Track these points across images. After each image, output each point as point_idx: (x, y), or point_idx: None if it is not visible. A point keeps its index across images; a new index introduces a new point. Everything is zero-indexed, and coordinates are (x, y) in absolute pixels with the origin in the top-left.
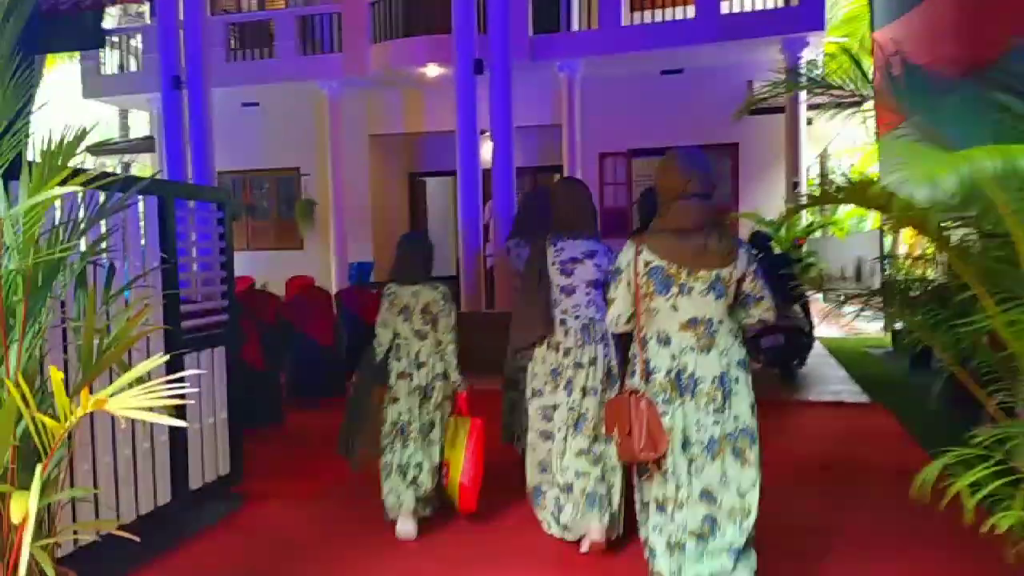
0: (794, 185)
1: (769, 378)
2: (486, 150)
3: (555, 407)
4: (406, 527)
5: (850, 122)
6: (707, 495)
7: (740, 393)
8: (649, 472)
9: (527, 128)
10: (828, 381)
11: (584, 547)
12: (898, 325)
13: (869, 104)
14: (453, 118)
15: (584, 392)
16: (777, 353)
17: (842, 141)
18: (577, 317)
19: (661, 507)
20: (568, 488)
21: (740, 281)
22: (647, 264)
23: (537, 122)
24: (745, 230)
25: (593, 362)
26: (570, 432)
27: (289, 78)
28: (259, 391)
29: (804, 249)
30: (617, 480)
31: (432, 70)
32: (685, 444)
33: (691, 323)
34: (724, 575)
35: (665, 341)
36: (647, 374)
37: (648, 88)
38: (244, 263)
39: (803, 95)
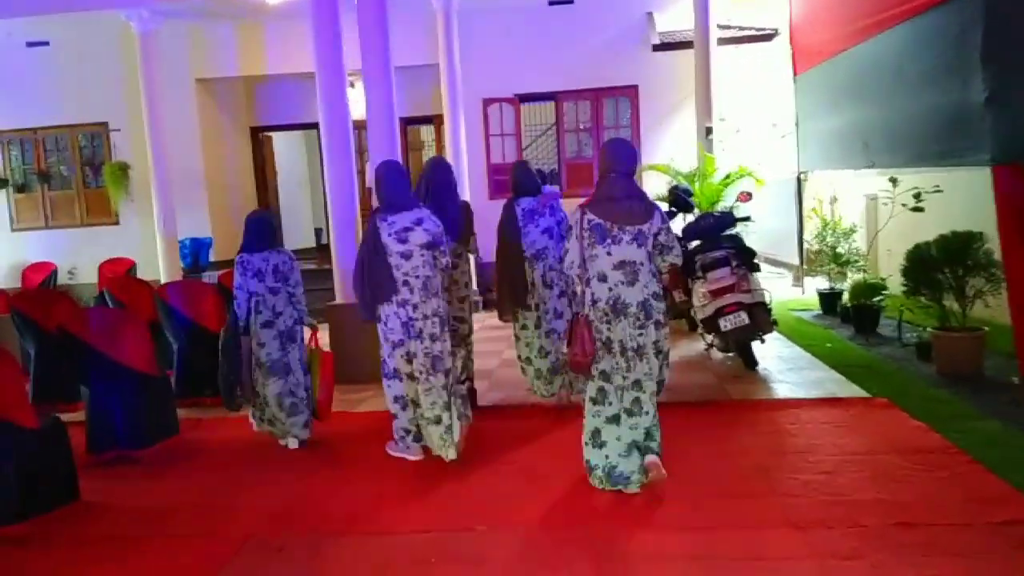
0: (707, 131)
1: (727, 369)
2: (354, 97)
3: (414, 354)
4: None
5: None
6: (636, 384)
7: (657, 315)
8: (595, 372)
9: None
10: (792, 364)
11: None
12: (821, 285)
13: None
14: (302, 57)
15: (433, 339)
16: (741, 334)
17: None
18: (417, 277)
19: (602, 396)
20: (437, 420)
21: (655, 235)
22: (589, 222)
23: (408, 62)
24: (655, 183)
25: (435, 313)
26: (430, 372)
27: (84, 6)
28: (152, 402)
29: (739, 205)
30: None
31: None
32: (622, 350)
33: (621, 264)
34: (640, 440)
35: (603, 278)
36: (592, 303)
37: (535, 22)
38: (43, 244)
39: (713, 28)
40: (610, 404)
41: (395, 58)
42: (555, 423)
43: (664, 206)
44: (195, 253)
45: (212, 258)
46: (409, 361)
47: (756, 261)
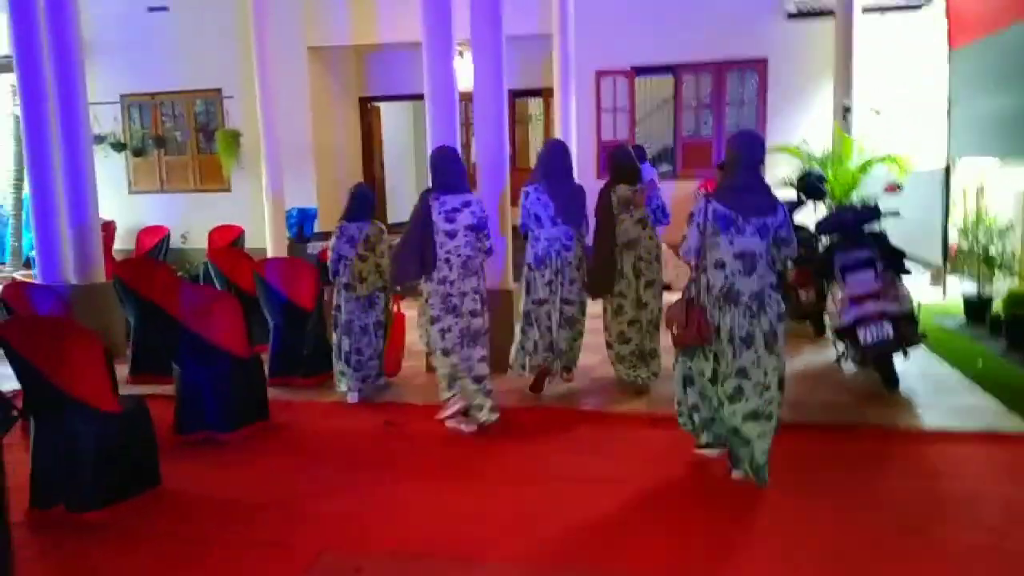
0: (844, 110)
1: (863, 385)
2: (462, 68)
3: (449, 328)
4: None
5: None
6: (742, 372)
7: (771, 305)
8: (700, 354)
9: (506, 39)
10: (939, 385)
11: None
12: (969, 288)
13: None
14: (413, 26)
15: (473, 315)
16: (883, 348)
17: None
18: (459, 256)
19: (706, 378)
20: (478, 379)
21: (777, 228)
22: (715, 212)
23: (519, 31)
24: (781, 167)
25: (474, 290)
26: (467, 346)
27: None
28: (242, 385)
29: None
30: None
31: None
32: (730, 337)
33: (741, 255)
34: (751, 438)
35: (720, 266)
36: (707, 289)
37: None
38: (158, 208)
39: None
40: (722, 388)
41: (506, 27)
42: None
43: (792, 193)
44: (301, 223)
45: (317, 228)
46: (443, 336)
47: (906, 264)
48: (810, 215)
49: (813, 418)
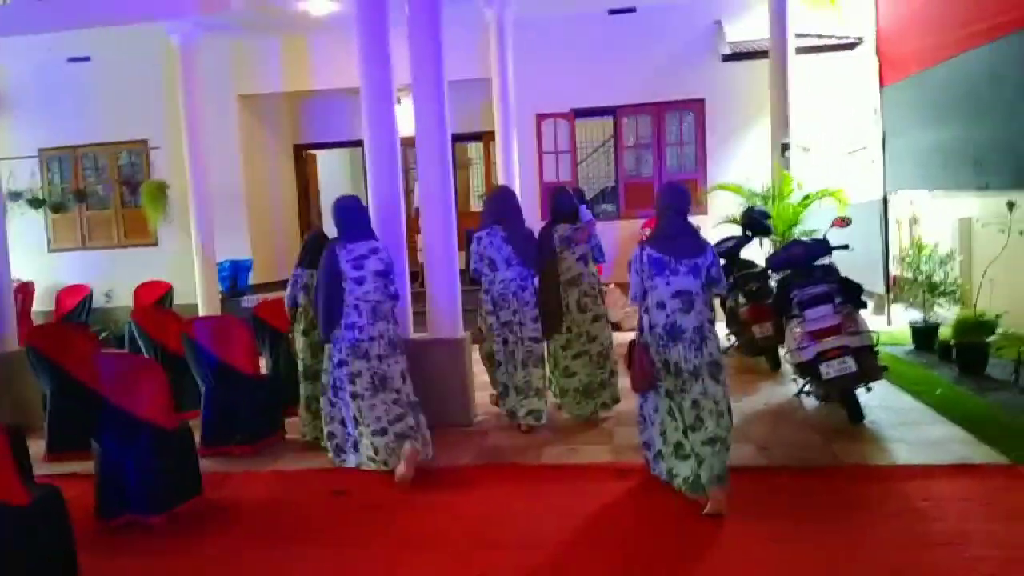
0: (783, 147)
1: (827, 421)
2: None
3: (359, 373)
4: None
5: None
6: (695, 404)
7: (711, 338)
8: (653, 393)
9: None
10: (904, 417)
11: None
12: (915, 316)
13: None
14: (349, 72)
15: (380, 359)
16: (847, 382)
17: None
18: (367, 301)
19: (670, 413)
20: (383, 431)
21: (708, 268)
22: (649, 256)
23: (458, 76)
24: (723, 204)
25: (382, 335)
26: (378, 389)
27: (124, 19)
28: (170, 460)
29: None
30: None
31: (318, 5)
32: (677, 371)
33: (678, 294)
34: (705, 456)
35: (661, 306)
36: (650, 328)
37: (594, 32)
38: (80, 266)
39: (791, 35)
40: (682, 419)
41: (445, 71)
42: (612, 480)
43: (737, 230)
44: (234, 276)
45: (252, 281)
46: (352, 380)
47: (863, 298)
48: (756, 251)
49: (781, 460)
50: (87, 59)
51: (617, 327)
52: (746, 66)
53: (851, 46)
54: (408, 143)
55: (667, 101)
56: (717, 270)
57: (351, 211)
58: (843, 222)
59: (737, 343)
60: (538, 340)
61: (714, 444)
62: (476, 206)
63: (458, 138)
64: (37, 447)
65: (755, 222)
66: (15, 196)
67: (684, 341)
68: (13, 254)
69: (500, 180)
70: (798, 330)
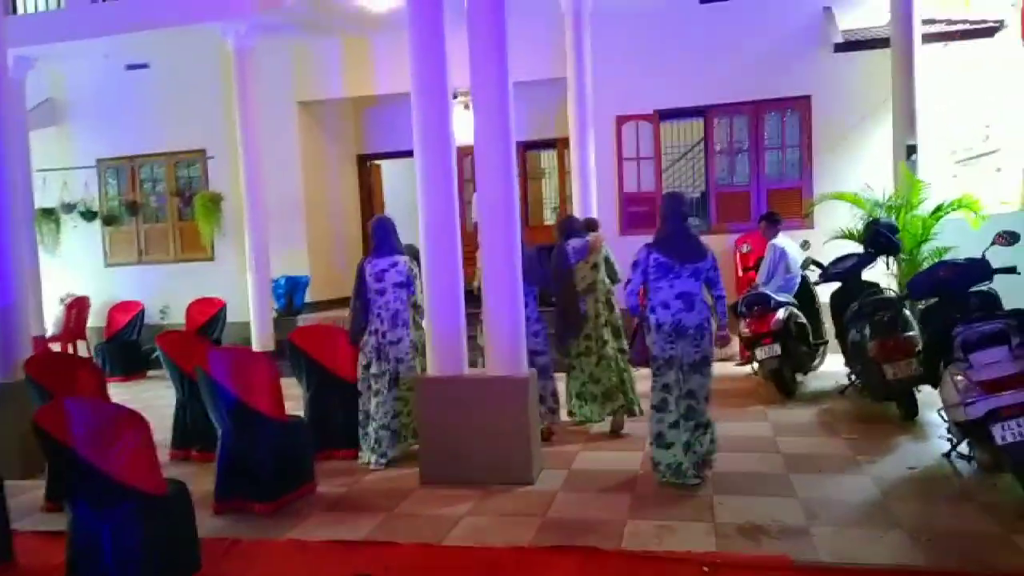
0: (909, 150)
1: (996, 499)
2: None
3: (383, 373)
4: None
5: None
6: (690, 394)
7: (708, 335)
8: (659, 385)
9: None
10: None
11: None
12: None
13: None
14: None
15: (399, 361)
16: None
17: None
18: (388, 310)
19: (664, 405)
20: (385, 427)
21: (708, 271)
22: (656, 260)
23: (529, 76)
24: (832, 218)
25: (399, 340)
26: (387, 388)
27: (175, 21)
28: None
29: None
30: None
31: (378, 1)
32: (680, 365)
33: (681, 295)
34: (697, 437)
35: (666, 306)
36: (658, 326)
37: (683, 24)
38: (136, 281)
39: (918, 21)
40: (671, 411)
41: (512, 72)
42: None
43: (853, 245)
44: (290, 293)
45: (308, 298)
46: (376, 379)
47: None
48: (882, 270)
49: (947, 557)
50: (146, 66)
51: None
52: (860, 58)
53: (990, 31)
54: (469, 152)
55: (766, 99)
56: (715, 274)
57: (379, 230)
58: (1007, 239)
59: (858, 383)
60: (539, 352)
61: (703, 429)
62: (551, 219)
63: (528, 146)
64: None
65: (880, 238)
66: (68, 208)
67: (687, 338)
68: (69, 268)
69: (576, 190)
70: (962, 379)
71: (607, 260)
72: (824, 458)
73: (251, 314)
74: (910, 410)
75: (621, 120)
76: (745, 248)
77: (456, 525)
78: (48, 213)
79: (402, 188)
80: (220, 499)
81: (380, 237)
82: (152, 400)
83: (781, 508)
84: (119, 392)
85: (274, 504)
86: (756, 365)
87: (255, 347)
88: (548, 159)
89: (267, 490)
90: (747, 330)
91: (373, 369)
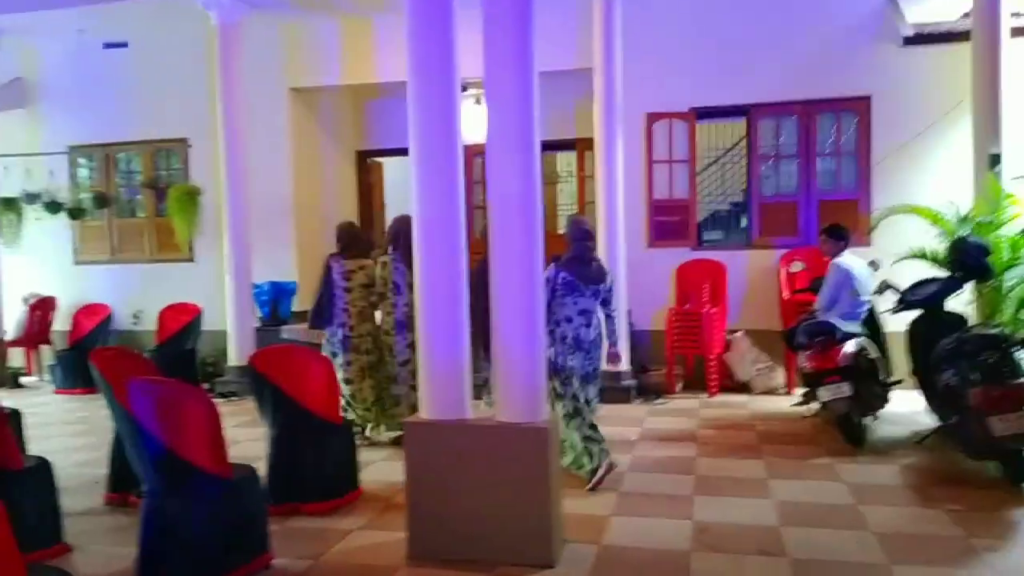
0: (993, 160)
1: None
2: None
3: (350, 363)
4: None
5: None
6: (588, 402)
7: (599, 348)
8: (568, 395)
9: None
10: None
11: None
12: None
13: None
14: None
15: (367, 352)
16: None
17: None
18: (354, 306)
19: (577, 412)
20: (368, 409)
21: (607, 291)
22: (563, 279)
23: (548, 67)
24: (894, 236)
25: (369, 333)
26: (362, 378)
27: None
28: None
29: None
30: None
31: None
32: (577, 375)
33: (582, 312)
34: (592, 436)
35: (569, 320)
36: (562, 339)
37: (726, 12)
38: (106, 281)
39: (1005, 11)
40: (583, 419)
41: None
42: None
43: (932, 268)
44: (275, 301)
45: (296, 307)
46: (345, 369)
47: None
48: (967, 298)
49: None
50: (124, 45)
51: (747, 388)
52: (931, 54)
53: None
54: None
55: (819, 99)
56: (610, 295)
57: (347, 235)
58: None
59: (949, 431)
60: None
61: (594, 429)
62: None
63: (544, 147)
64: None
65: (969, 260)
66: (32, 198)
67: (582, 351)
68: (36, 265)
69: (600, 196)
70: None
71: None
72: (928, 541)
73: (228, 323)
74: (1019, 472)
75: (652, 118)
76: (796, 266)
77: None
78: (9, 203)
79: (405, 189)
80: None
81: (346, 241)
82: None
83: None
84: (76, 406)
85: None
86: (817, 406)
87: (232, 361)
88: (565, 161)
89: (203, 568)
90: (808, 364)
91: (339, 360)
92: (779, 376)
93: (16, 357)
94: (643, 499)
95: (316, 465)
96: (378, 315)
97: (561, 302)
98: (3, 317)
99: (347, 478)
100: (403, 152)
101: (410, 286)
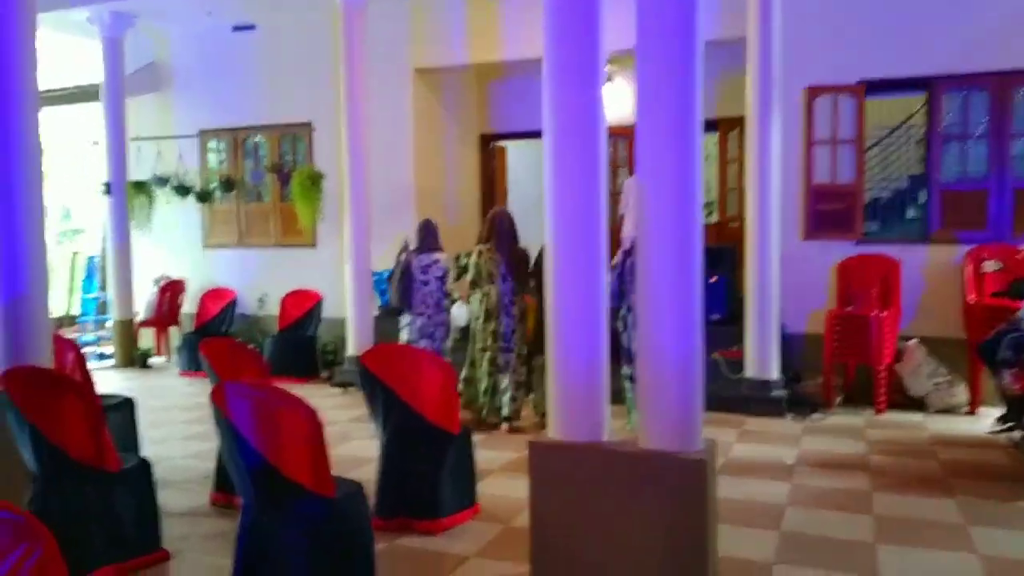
0: None
1: None
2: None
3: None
4: None
5: None
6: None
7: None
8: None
9: None
10: None
11: None
12: None
13: None
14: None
15: (440, 340)
16: None
17: None
18: (432, 296)
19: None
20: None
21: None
22: (632, 263)
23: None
24: None
25: (443, 322)
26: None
27: None
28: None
29: None
30: None
31: None
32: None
33: None
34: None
35: None
36: (635, 325)
37: None
38: (233, 266)
39: None
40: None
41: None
42: None
43: None
44: None
45: None
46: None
47: None
48: None
49: None
50: (253, 27)
51: (921, 405)
52: None
53: None
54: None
55: (1016, 70)
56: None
57: (425, 232)
58: None
59: None
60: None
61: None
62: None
63: None
64: None
65: None
66: (162, 182)
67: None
68: (166, 249)
69: (751, 181)
70: None
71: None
72: None
73: (347, 311)
74: None
75: (814, 92)
76: (990, 266)
77: None
78: (140, 186)
79: (527, 175)
80: (380, 514)
81: (424, 237)
82: None
83: None
84: (196, 390)
85: (436, 522)
86: (1022, 435)
87: (351, 351)
88: (710, 143)
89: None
90: (1015, 385)
91: (418, 345)
92: (961, 393)
93: (146, 338)
94: (811, 543)
95: (430, 477)
96: (460, 305)
97: (631, 288)
98: (135, 298)
99: (464, 492)
100: (527, 135)
101: (503, 276)
